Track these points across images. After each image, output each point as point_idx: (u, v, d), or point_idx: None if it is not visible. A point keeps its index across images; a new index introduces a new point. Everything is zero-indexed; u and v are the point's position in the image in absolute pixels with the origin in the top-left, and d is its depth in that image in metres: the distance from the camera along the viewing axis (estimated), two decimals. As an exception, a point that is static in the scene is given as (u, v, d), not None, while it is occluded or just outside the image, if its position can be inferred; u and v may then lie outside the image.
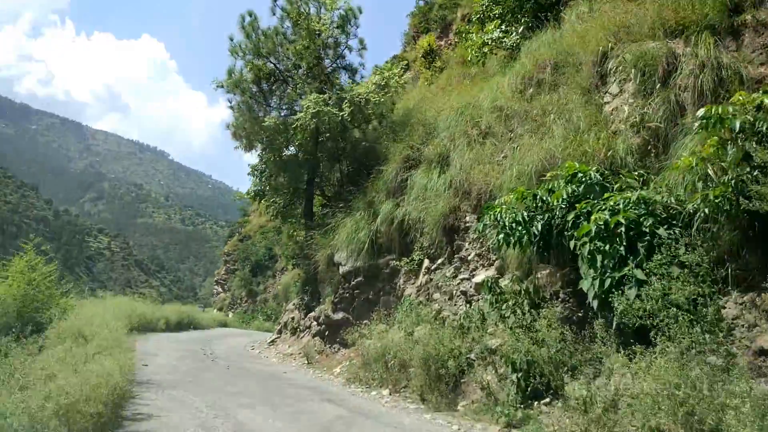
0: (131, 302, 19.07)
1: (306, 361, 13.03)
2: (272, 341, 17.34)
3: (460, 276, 9.70)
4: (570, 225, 6.66)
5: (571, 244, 6.56)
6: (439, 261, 10.59)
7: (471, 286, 9.26)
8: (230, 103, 14.83)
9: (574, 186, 6.88)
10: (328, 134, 13.83)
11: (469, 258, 9.69)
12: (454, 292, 9.70)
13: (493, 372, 7.35)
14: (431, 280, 10.65)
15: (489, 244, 8.87)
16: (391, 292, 11.75)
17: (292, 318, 16.79)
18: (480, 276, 9.02)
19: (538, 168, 8.30)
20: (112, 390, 5.78)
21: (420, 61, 19.01)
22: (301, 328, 15.68)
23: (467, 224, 10.03)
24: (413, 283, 11.28)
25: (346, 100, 13.31)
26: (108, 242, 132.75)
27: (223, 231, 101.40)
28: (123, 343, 8.70)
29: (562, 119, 8.81)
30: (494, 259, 9.12)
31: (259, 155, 15.74)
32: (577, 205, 6.65)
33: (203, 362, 12.53)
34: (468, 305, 9.08)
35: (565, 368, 6.59)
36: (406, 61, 21.31)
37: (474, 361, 7.85)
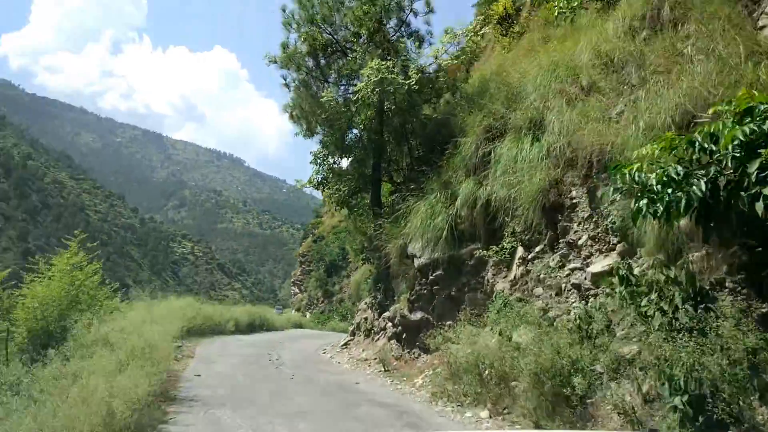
0: (195, 303, 18.32)
1: (382, 368, 11.42)
2: (345, 344, 15.96)
3: (570, 265, 7.67)
4: (753, 180, 4.54)
5: (757, 206, 4.45)
6: (538, 248, 8.59)
7: (586, 277, 7.23)
8: (285, 80, 13.57)
9: (752, 125, 4.73)
10: (394, 107, 12.10)
11: (580, 242, 7.63)
12: (563, 285, 7.67)
13: (635, 390, 5.37)
14: (528, 271, 8.69)
15: (613, 217, 6.82)
16: (478, 288, 9.86)
17: (365, 318, 15.28)
18: (599, 264, 6.99)
19: (675, 116, 6.24)
20: (101, 425, 4.33)
21: (495, 28, 16.86)
22: (375, 329, 14.13)
23: (574, 200, 7.97)
24: (505, 277, 9.35)
25: (412, 67, 11.52)
26: (191, 247, 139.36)
27: (299, 233, 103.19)
28: (157, 352, 7.31)
29: (701, 54, 6.71)
30: (615, 242, 7.05)
31: (320, 141, 14.34)
32: (761, 150, 4.53)
33: (266, 369, 11.21)
34: (584, 302, 7.06)
35: (753, 389, 4.53)
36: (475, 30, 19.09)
37: (601, 374, 5.89)
